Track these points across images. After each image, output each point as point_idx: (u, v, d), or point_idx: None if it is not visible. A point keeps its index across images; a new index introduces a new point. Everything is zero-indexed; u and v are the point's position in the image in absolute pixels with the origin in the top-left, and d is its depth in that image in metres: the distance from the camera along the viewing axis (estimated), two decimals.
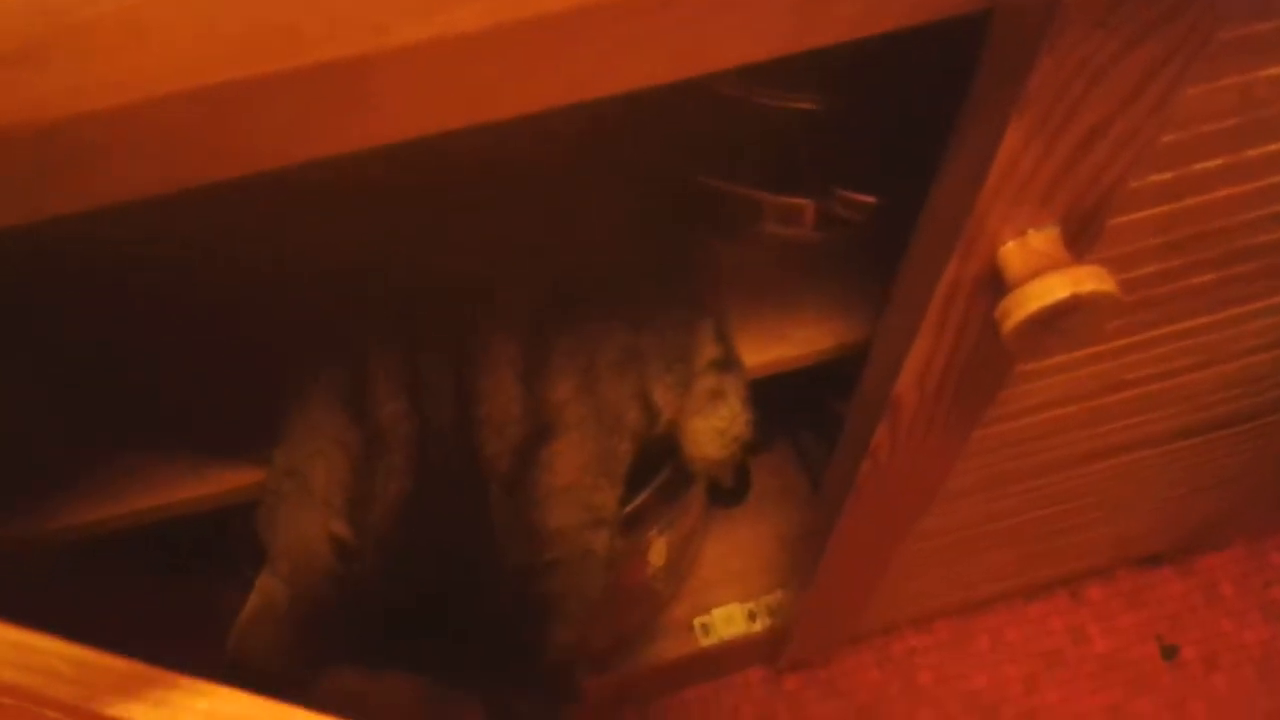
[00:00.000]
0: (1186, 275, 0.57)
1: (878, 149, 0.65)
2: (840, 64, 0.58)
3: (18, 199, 0.34)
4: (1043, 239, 0.47)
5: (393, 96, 0.34)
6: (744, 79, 0.63)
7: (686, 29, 0.34)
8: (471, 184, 0.58)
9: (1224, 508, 1.02)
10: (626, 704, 1.22)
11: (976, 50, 0.42)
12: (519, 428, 0.57)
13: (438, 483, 0.57)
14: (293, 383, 0.60)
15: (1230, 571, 1.26)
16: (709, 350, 0.69)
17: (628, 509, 0.83)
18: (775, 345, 0.71)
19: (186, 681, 0.34)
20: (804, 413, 1.11)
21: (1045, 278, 0.45)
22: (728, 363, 0.69)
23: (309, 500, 0.58)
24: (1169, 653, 1.23)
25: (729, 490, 1.12)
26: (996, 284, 0.48)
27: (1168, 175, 0.48)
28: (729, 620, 1.07)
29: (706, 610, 1.08)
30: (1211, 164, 0.49)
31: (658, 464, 0.85)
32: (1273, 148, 0.49)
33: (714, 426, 0.70)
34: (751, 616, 1.07)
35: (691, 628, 1.07)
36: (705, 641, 1.07)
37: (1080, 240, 0.48)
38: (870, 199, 0.65)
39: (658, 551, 0.97)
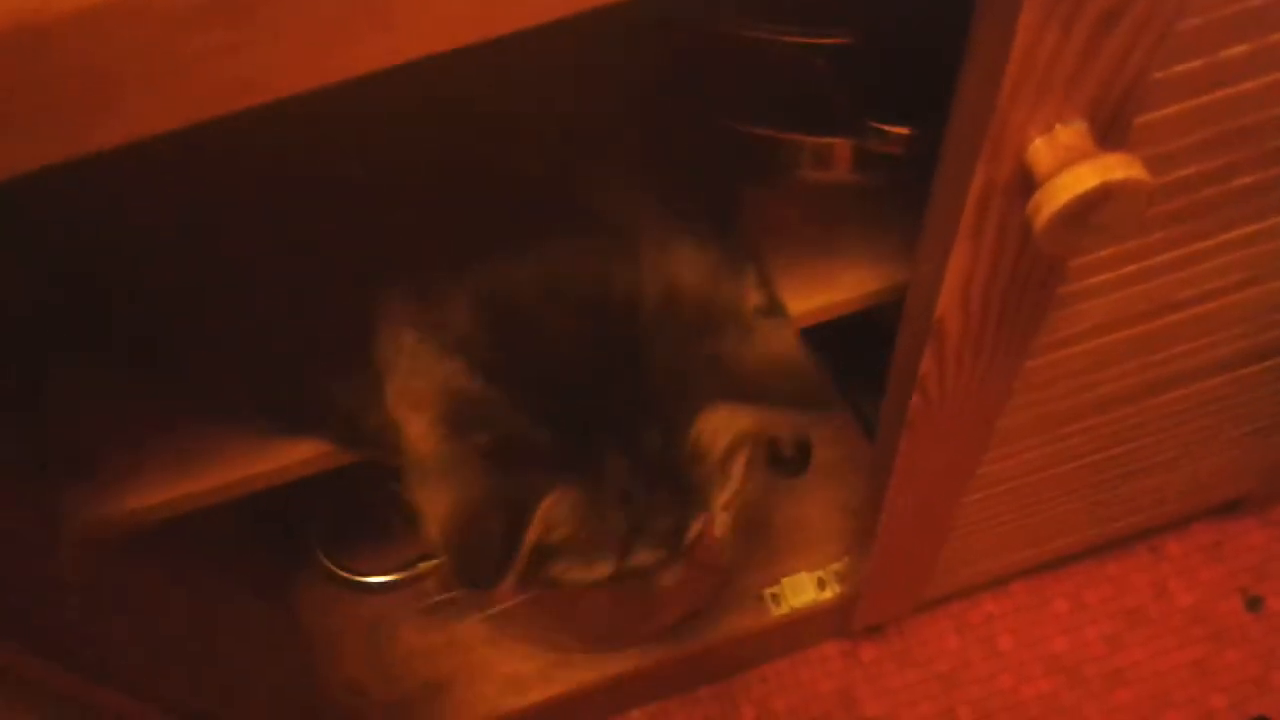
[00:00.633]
0: (1227, 178, 0.57)
1: (910, 79, 0.65)
2: None
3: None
4: (1070, 134, 0.46)
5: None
6: (770, 19, 0.64)
7: None
8: (503, 144, 0.59)
9: None
10: (703, 682, 1.22)
11: None
12: None
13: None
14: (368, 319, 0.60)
15: None
16: (752, 298, 0.69)
17: None
18: (821, 291, 0.71)
19: None
20: (862, 379, 1.10)
21: (1074, 168, 0.45)
22: (772, 309, 0.70)
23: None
24: (1254, 604, 1.20)
25: (789, 460, 1.12)
26: (1027, 185, 0.47)
27: (1195, 64, 0.48)
28: (798, 589, 1.07)
29: (776, 581, 1.08)
30: (1238, 50, 0.48)
31: None
32: None
33: None
34: (821, 584, 1.07)
35: (762, 598, 1.07)
36: (776, 611, 1.07)
37: (1110, 136, 0.48)
38: (905, 129, 0.64)
39: (721, 522, 0.97)
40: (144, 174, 0.48)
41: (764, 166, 0.73)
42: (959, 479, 0.80)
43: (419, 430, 0.58)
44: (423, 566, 0.85)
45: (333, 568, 0.85)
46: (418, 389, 0.58)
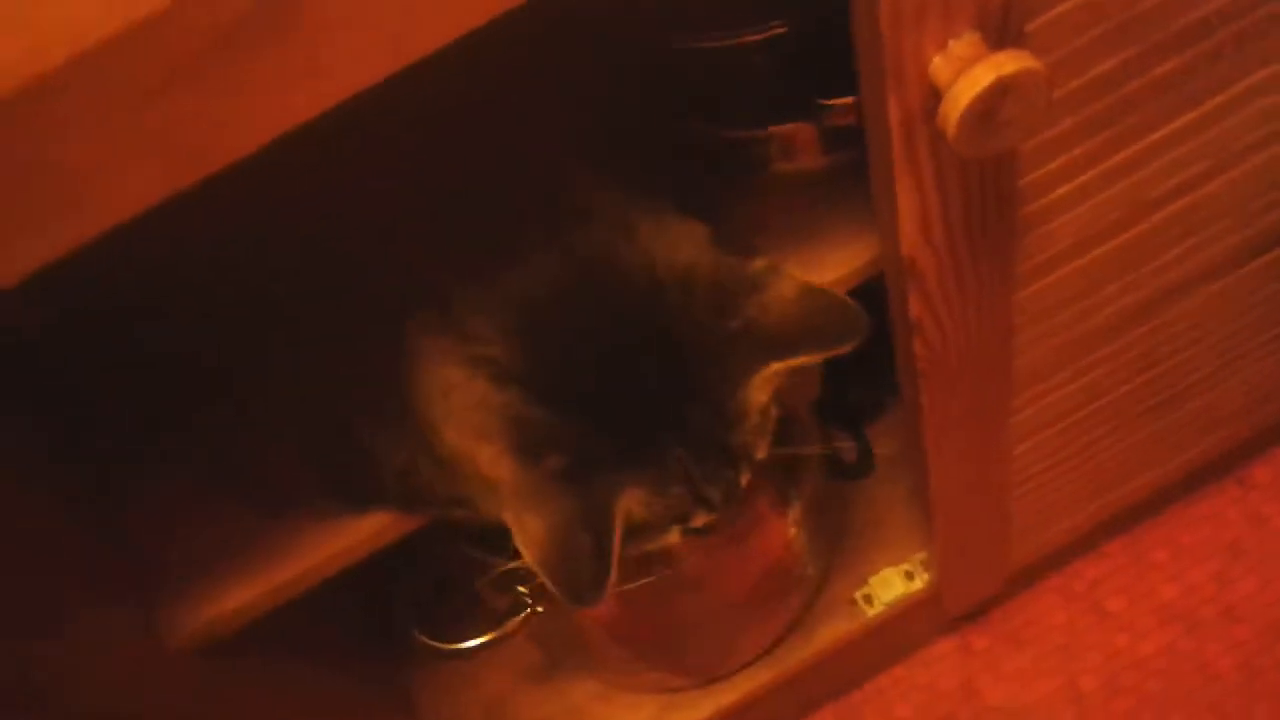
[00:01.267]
0: (1147, 67, 0.59)
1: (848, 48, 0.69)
2: None
3: None
4: (965, 45, 0.50)
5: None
6: (705, 25, 0.68)
7: None
8: (477, 180, 0.63)
9: None
10: (823, 702, 1.22)
11: None
12: None
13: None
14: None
15: None
16: (755, 262, 0.73)
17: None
18: (814, 274, 0.74)
19: None
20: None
21: (969, 72, 0.48)
22: (778, 269, 0.73)
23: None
24: None
25: (854, 465, 1.14)
26: (937, 101, 0.51)
27: None
28: (887, 584, 1.08)
29: (864, 582, 1.09)
30: None
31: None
32: None
33: None
34: (909, 576, 1.08)
35: (854, 602, 1.09)
36: (871, 612, 1.08)
37: (1005, 43, 0.51)
38: (850, 98, 0.68)
39: (793, 522, 0.99)
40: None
41: (738, 168, 0.77)
42: (995, 426, 0.82)
43: (490, 457, 0.62)
44: (510, 624, 0.88)
45: (429, 641, 0.89)
46: (480, 422, 0.62)
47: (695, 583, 0.91)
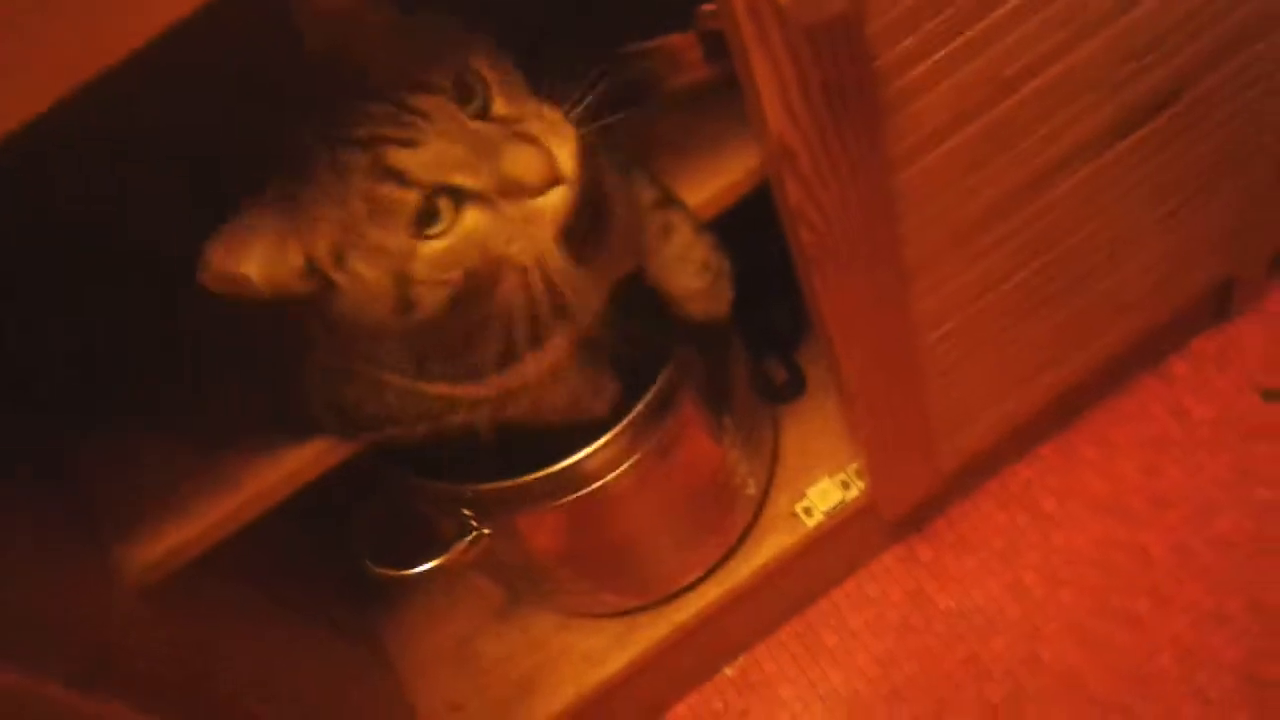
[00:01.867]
0: None
1: None
2: None
3: None
4: None
5: None
6: None
7: None
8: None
9: (1238, 221, 1.04)
10: (780, 623, 1.27)
11: None
12: None
13: None
14: None
15: None
16: (647, 194, 0.77)
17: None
18: (712, 179, 0.79)
19: None
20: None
21: None
22: (667, 200, 0.77)
23: None
24: (1270, 396, 1.23)
25: (785, 386, 1.18)
26: None
27: None
28: (824, 495, 1.12)
29: (803, 495, 1.13)
30: None
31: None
32: None
33: (674, 255, 0.77)
34: (844, 485, 1.13)
35: (795, 514, 1.13)
36: (811, 523, 1.12)
37: None
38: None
39: (726, 441, 1.04)
40: None
41: (633, 88, 0.81)
42: (897, 315, 0.86)
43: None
44: (458, 546, 0.92)
45: (380, 569, 0.93)
46: None
47: (627, 497, 0.95)
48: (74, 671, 0.65)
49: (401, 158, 0.57)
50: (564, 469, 0.89)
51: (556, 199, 0.59)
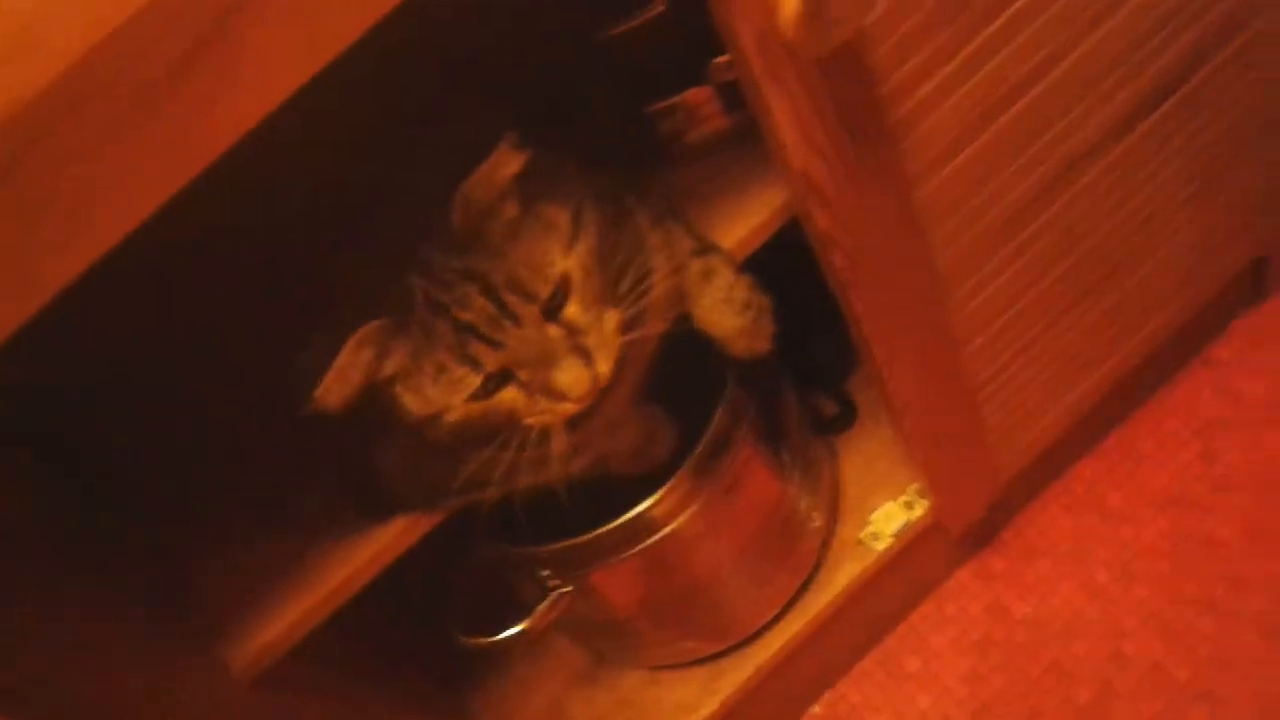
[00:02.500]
0: None
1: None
2: None
3: None
4: None
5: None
6: (594, 20, 0.76)
7: None
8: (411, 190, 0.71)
9: (1262, 198, 1.06)
10: (862, 654, 1.28)
11: None
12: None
13: None
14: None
15: None
16: (685, 244, 0.81)
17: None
18: (742, 221, 0.82)
19: None
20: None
21: None
22: (704, 248, 0.81)
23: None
24: None
25: (836, 418, 1.21)
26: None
27: None
28: (889, 518, 1.14)
29: (867, 521, 1.15)
30: None
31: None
32: None
33: (716, 299, 0.80)
34: (908, 506, 1.14)
35: (862, 542, 1.15)
36: (880, 546, 1.14)
37: None
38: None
39: (784, 475, 1.06)
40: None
41: (656, 145, 0.85)
42: (938, 326, 0.89)
43: None
44: (540, 609, 0.94)
45: (468, 640, 0.95)
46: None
47: (696, 540, 0.97)
48: None
49: (483, 352, 0.66)
50: (633, 518, 0.91)
51: (580, 408, 0.69)
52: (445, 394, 0.66)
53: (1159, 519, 1.24)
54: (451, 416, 0.67)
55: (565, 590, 0.96)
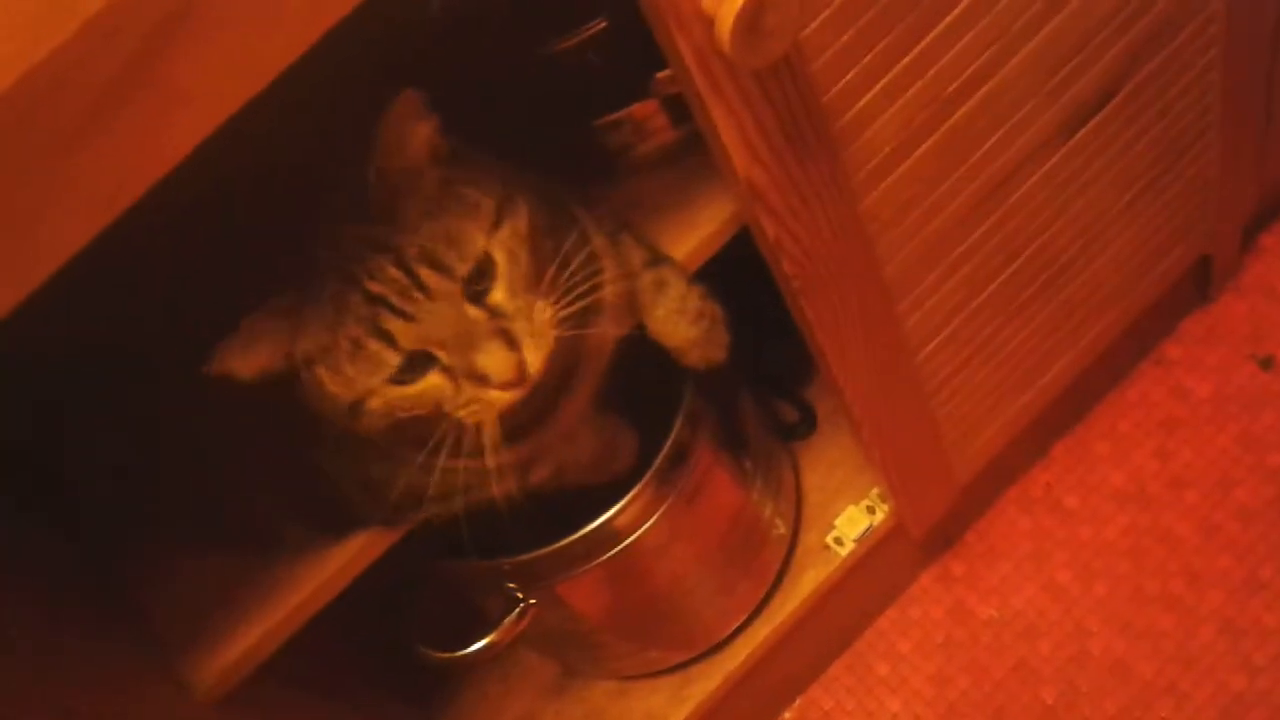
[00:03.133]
0: None
1: None
2: None
3: None
4: None
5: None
6: (538, 36, 0.78)
7: None
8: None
9: (1201, 201, 1.09)
10: (830, 660, 1.29)
11: None
12: None
13: None
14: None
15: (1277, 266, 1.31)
16: (636, 256, 0.82)
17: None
18: (692, 233, 0.84)
19: None
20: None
21: None
22: (656, 259, 0.82)
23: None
24: (1266, 364, 1.27)
25: (797, 424, 1.22)
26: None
27: None
28: (852, 522, 1.16)
29: (830, 526, 1.17)
30: None
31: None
32: None
33: (669, 309, 0.82)
34: (870, 510, 1.16)
35: (827, 547, 1.16)
36: (844, 551, 1.15)
37: None
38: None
39: (746, 482, 1.07)
40: None
41: (604, 160, 0.86)
42: (888, 335, 0.91)
43: None
44: (507, 621, 0.95)
45: (434, 654, 0.96)
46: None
47: (660, 549, 0.98)
48: None
49: (395, 325, 0.63)
50: (596, 529, 0.92)
51: (508, 395, 0.66)
52: (363, 373, 0.64)
53: (1117, 518, 1.26)
54: (375, 403, 0.65)
55: (530, 603, 0.96)
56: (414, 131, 0.63)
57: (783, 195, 0.74)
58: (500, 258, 0.65)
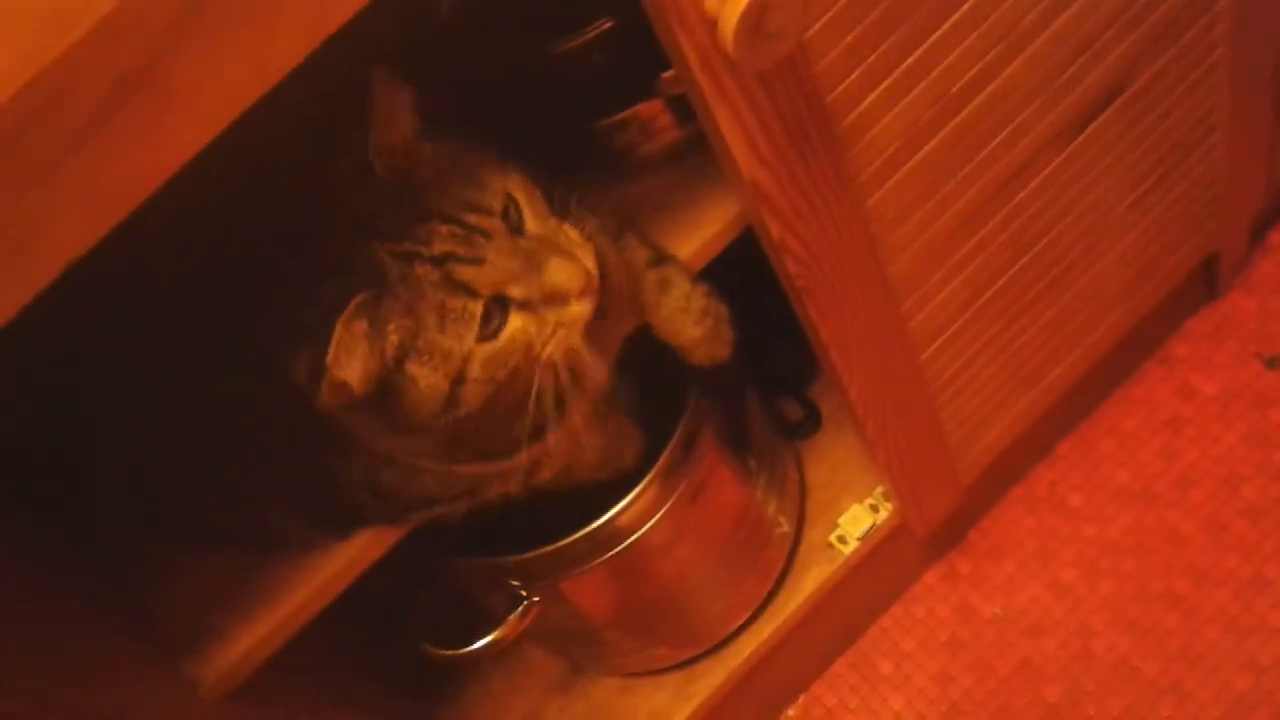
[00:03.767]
0: None
1: None
2: None
3: None
4: None
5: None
6: (543, 36, 0.78)
7: None
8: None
9: (1208, 198, 1.09)
10: (834, 657, 1.29)
11: None
12: None
13: None
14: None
15: None
16: (641, 255, 0.82)
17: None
18: (697, 232, 0.84)
19: None
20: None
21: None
22: (660, 259, 0.82)
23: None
24: (1272, 363, 1.27)
25: (801, 423, 1.22)
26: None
27: None
28: (855, 521, 1.16)
29: (834, 525, 1.17)
30: None
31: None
32: None
33: (674, 308, 0.82)
34: (873, 509, 1.16)
35: (831, 545, 1.16)
36: (847, 550, 1.15)
37: None
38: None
39: (750, 480, 1.07)
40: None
41: (610, 159, 0.86)
42: (893, 334, 0.90)
43: None
44: (511, 619, 0.96)
45: (438, 651, 0.96)
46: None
47: (664, 546, 0.98)
48: None
49: (469, 273, 0.65)
50: (601, 526, 0.93)
51: (588, 305, 0.68)
52: (455, 337, 0.65)
53: (1121, 516, 1.26)
54: (474, 370, 0.66)
55: (534, 600, 0.97)
56: (400, 101, 0.65)
57: (787, 196, 0.74)
58: (520, 193, 0.68)
